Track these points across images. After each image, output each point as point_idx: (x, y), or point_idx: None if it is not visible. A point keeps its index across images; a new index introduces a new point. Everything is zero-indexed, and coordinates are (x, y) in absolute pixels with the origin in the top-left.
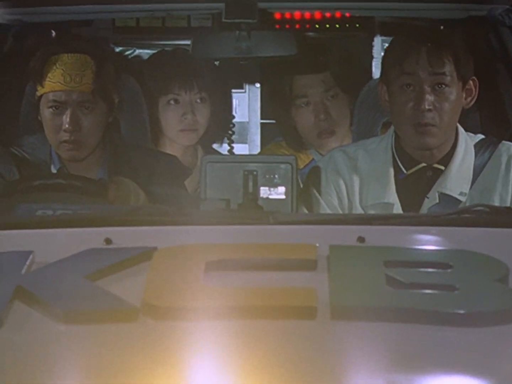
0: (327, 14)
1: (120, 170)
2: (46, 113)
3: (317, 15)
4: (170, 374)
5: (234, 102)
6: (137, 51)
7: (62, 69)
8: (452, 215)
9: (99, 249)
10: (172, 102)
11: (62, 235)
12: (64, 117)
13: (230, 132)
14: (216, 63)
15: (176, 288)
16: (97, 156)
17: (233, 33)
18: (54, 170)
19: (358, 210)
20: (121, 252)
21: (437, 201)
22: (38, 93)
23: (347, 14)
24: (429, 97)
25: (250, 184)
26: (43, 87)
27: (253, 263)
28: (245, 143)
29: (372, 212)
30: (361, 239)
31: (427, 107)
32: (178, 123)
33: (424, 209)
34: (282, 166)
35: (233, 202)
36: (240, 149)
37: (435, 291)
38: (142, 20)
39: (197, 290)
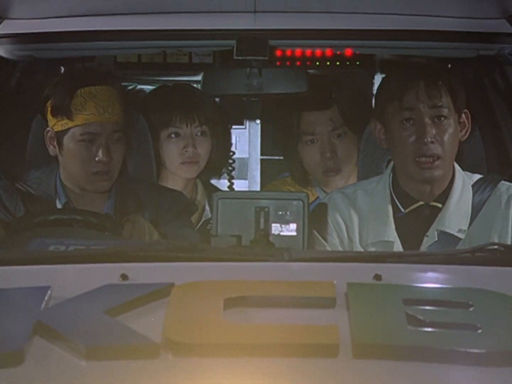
0: (327, 52)
1: (126, 205)
2: (74, 145)
3: (318, 52)
4: None
5: (234, 138)
6: (138, 87)
7: (93, 101)
8: (466, 254)
9: (116, 285)
10: (173, 135)
11: (78, 270)
12: (99, 149)
13: (230, 168)
14: (217, 99)
15: (196, 324)
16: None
17: (244, 70)
18: (59, 205)
19: (359, 248)
20: (139, 288)
21: (436, 239)
22: (59, 128)
23: (347, 52)
24: (431, 130)
25: (262, 220)
26: (71, 120)
27: (272, 300)
28: (245, 179)
29: (372, 250)
30: (377, 277)
31: (430, 139)
32: (179, 156)
33: (423, 247)
34: (294, 203)
35: (245, 239)
36: (240, 185)
37: (457, 330)
38: (144, 56)
39: (218, 326)
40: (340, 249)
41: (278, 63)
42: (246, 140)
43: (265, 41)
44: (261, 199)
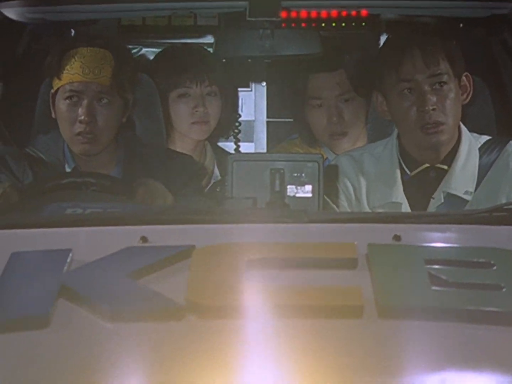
0: (333, 13)
1: (135, 170)
2: (61, 105)
3: (324, 14)
4: (218, 372)
5: (241, 100)
6: (143, 50)
7: (81, 61)
8: (484, 214)
9: (137, 248)
10: (183, 95)
11: (97, 233)
12: (80, 108)
13: (236, 130)
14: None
15: (219, 286)
16: (110, 155)
17: (256, 32)
18: (68, 169)
19: (367, 210)
20: (160, 250)
21: (442, 201)
22: (54, 88)
23: (353, 13)
24: (431, 98)
25: (277, 182)
26: (60, 79)
27: (293, 261)
28: (251, 141)
29: (380, 211)
30: (397, 237)
31: (431, 107)
32: (190, 116)
33: (430, 209)
34: (309, 164)
35: (260, 201)
36: (246, 147)
37: (482, 291)
38: (148, 19)
39: (241, 288)
40: (349, 211)
41: (283, 25)
42: (252, 102)
43: (278, 1)
44: (276, 161)
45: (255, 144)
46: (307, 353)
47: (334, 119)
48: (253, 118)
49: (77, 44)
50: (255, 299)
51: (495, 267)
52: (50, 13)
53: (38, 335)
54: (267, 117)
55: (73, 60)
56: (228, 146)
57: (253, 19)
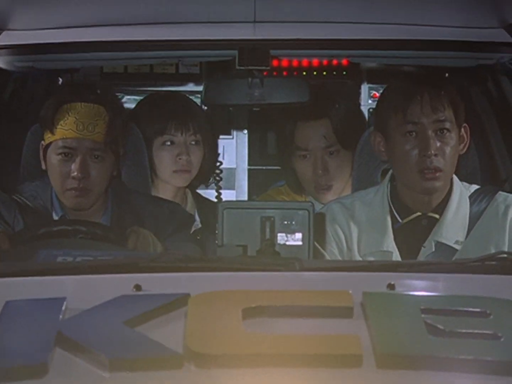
0: (314, 62)
1: (124, 218)
2: (53, 160)
3: (304, 62)
4: None
5: (222, 148)
6: (125, 98)
7: (75, 117)
8: (476, 263)
9: (132, 296)
10: (167, 143)
11: (91, 281)
12: (74, 164)
13: (217, 178)
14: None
15: (217, 335)
16: (99, 204)
17: (245, 80)
18: (55, 217)
19: (358, 259)
20: (155, 298)
21: (433, 249)
22: (46, 141)
23: (334, 62)
24: (434, 143)
25: (267, 230)
26: (53, 134)
27: (289, 310)
28: (233, 189)
29: (371, 259)
30: (391, 286)
31: (433, 152)
32: (172, 164)
33: (421, 257)
34: (300, 212)
35: (251, 248)
36: (227, 195)
37: (480, 340)
38: (130, 67)
39: (239, 337)
40: (340, 258)
41: (275, 73)
42: (234, 150)
43: (267, 51)
44: (267, 208)
45: (236, 192)
46: None
47: (320, 172)
48: (235, 166)
49: (72, 98)
50: (254, 348)
51: (491, 316)
52: (39, 61)
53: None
54: (249, 164)
55: (67, 115)
56: (210, 193)
57: (242, 68)
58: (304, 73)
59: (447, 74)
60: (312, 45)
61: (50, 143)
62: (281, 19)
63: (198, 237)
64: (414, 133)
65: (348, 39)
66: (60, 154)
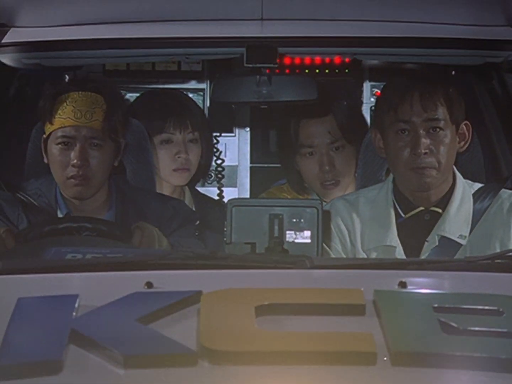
0: (316, 60)
1: (128, 215)
2: (54, 149)
3: (307, 60)
4: None
5: (224, 146)
6: (127, 95)
7: (73, 106)
8: (486, 260)
9: (144, 293)
10: (166, 141)
11: (102, 278)
12: (73, 152)
13: (219, 175)
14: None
15: (231, 332)
16: (102, 200)
17: (253, 78)
18: (60, 215)
19: (361, 254)
20: (167, 296)
21: (437, 244)
22: (46, 133)
23: (336, 60)
24: (425, 141)
25: (276, 228)
26: (52, 124)
27: (302, 307)
28: (235, 186)
29: (374, 254)
30: (402, 284)
31: (423, 150)
32: (171, 162)
33: (424, 252)
34: (308, 210)
35: (259, 246)
36: (229, 192)
37: (494, 338)
38: (132, 64)
39: (253, 334)
40: (343, 255)
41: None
42: (236, 147)
43: (275, 48)
44: (275, 206)
45: (238, 190)
46: None
47: (326, 168)
48: (237, 164)
49: (69, 88)
50: (268, 346)
51: (504, 315)
52: (46, 58)
53: (52, 380)
54: (251, 162)
55: (64, 104)
56: (211, 191)
57: (250, 65)
58: (307, 71)
59: (453, 72)
60: (320, 43)
61: (50, 134)
62: (288, 17)
63: (197, 234)
64: (406, 131)
65: (355, 37)
66: (59, 143)
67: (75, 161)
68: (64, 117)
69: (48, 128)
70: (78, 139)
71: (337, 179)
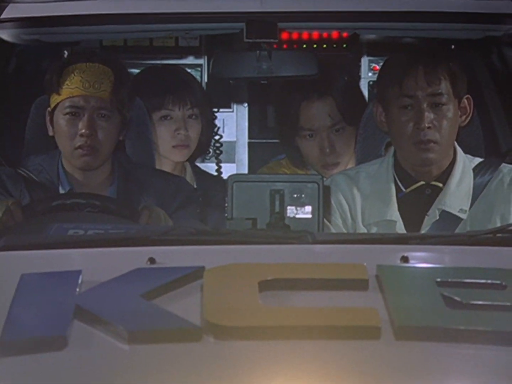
0: (314, 35)
1: (130, 191)
2: (61, 120)
3: (305, 35)
4: None
5: (222, 121)
6: None
7: (81, 76)
8: (488, 235)
9: (147, 269)
10: (165, 118)
11: (105, 254)
12: (81, 122)
13: (217, 151)
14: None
15: (234, 307)
16: (104, 176)
17: (253, 53)
18: (62, 191)
19: (361, 229)
20: (170, 271)
21: (437, 218)
22: (52, 105)
23: (333, 35)
24: (428, 116)
25: (277, 203)
26: (59, 95)
27: (305, 282)
28: (233, 162)
29: (375, 229)
30: (405, 259)
31: (427, 125)
32: (171, 139)
33: (425, 226)
34: (309, 185)
35: (260, 222)
36: (228, 168)
37: (497, 312)
38: (130, 40)
39: (256, 309)
40: (343, 229)
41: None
42: (234, 123)
43: (275, 23)
44: (276, 181)
45: (236, 165)
46: (327, 374)
47: (327, 150)
48: (235, 139)
49: (76, 60)
50: (272, 321)
51: (507, 288)
52: (46, 34)
53: (57, 356)
54: (249, 138)
55: (72, 75)
56: (210, 167)
57: (250, 40)
58: (304, 46)
59: (453, 46)
60: (321, 18)
61: (57, 105)
62: None
63: (198, 210)
64: (409, 106)
65: (354, 11)
66: (67, 114)
67: (83, 130)
68: (72, 87)
69: (55, 99)
70: (86, 109)
71: (337, 160)
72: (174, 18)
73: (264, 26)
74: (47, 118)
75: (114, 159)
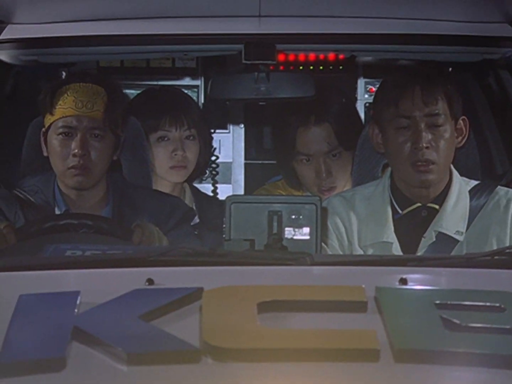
0: (311, 56)
1: (125, 212)
2: (54, 140)
3: (301, 57)
4: None
5: (218, 142)
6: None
7: (74, 96)
8: (486, 257)
9: (145, 290)
10: (162, 139)
11: (104, 275)
12: (74, 142)
13: (214, 172)
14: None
15: (233, 329)
16: (100, 196)
17: (252, 75)
18: (58, 212)
19: (358, 250)
20: (169, 292)
21: (434, 240)
22: (46, 125)
23: (330, 56)
24: (426, 136)
25: (275, 224)
26: (53, 115)
27: (303, 304)
28: (229, 183)
29: (371, 251)
30: (403, 281)
31: (425, 145)
32: (168, 160)
33: (421, 248)
34: (307, 206)
35: (258, 243)
36: (224, 189)
37: (496, 335)
38: (127, 61)
39: (255, 331)
40: (340, 251)
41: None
42: (230, 144)
43: (273, 45)
44: (274, 203)
45: (233, 186)
46: None
47: (324, 175)
48: (231, 160)
49: (70, 80)
50: (271, 342)
51: (506, 311)
52: (44, 55)
53: (55, 377)
54: (245, 159)
55: (65, 95)
56: (206, 188)
57: (248, 62)
58: (301, 67)
59: (450, 69)
60: (318, 40)
61: (50, 125)
62: (286, 13)
63: (196, 232)
64: (406, 126)
65: (353, 34)
66: (60, 134)
67: (76, 150)
68: (65, 107)
69: (49, 120)
70: (79, 129)
71: (334, 185)
72: (172, 39)
73: (262, 48)
74: (42, 139)
75: (109, 179)
